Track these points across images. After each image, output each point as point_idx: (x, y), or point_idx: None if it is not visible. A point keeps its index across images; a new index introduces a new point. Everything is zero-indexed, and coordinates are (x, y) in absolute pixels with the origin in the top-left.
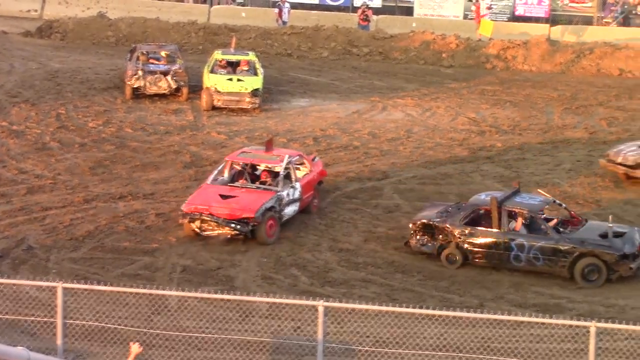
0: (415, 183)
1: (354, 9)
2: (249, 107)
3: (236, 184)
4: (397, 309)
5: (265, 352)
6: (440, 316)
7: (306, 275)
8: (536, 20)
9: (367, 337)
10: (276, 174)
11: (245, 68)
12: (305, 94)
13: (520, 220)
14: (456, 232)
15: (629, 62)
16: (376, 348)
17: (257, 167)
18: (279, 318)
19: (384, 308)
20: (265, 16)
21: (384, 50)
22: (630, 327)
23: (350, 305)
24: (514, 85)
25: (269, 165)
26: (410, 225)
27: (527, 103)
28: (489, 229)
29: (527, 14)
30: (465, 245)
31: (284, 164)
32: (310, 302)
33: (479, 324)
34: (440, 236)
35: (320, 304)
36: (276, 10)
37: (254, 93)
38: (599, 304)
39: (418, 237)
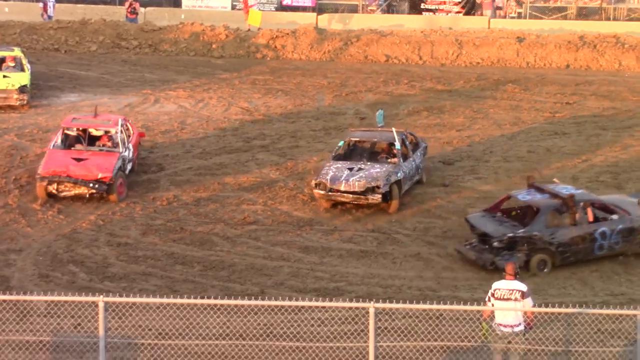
0: (192, 174)
1: (121, 2)
2: (17, 103)
3: (78, 147)
4: (179, 301)
5: (45, 352)
6: (222, 305)
7: (84, 272)
8: (303, 9)
9: (150, 330)
10: (114, 137)
11: (12, 64)
12: (75, 88)
13: (589, 210)
14: (545, 238)
15: (394, 48)
16: (159, 340)
17: (92, 131)
18: (58, 316)
19: (165, 300)
20: (29, 11)
21: (154, 43)
22: (407, 305)
23: (131, 300)
24: (285, 74)
25: (105, 129)
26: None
27: (298, 91)
28: (572, 227)
29: (295, 4)
30: (555, 248)
31: (119, 127)
32: (89, 298)
33: (260, 311)
34: (526, 245)
35: (100, 300)
36: (41, 4)
37: (22, 89)
38: (377, 285)
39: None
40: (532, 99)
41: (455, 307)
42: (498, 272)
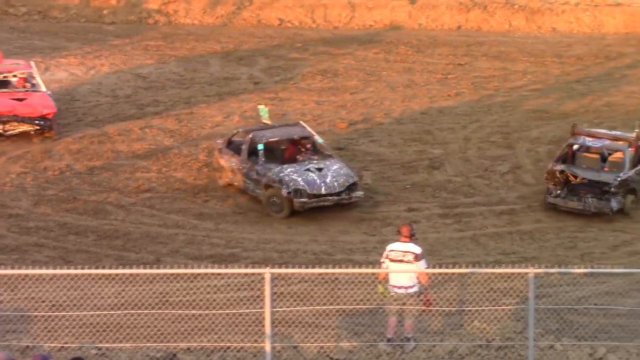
0: (85, 143)
1: None
2: None
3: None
4: (72, 271)
5: None
6: (117, 275)
7: None
8: None
9: (43, 302)
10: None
11: None
12: None
13: None
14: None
15: (287, 11)
16: (53, 312)
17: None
18: None
19: (58, 271)
20: None
21: (43, 9)
22: (302, 270)
23: (23, 272)
24: (178, 40)
25: (18, 72)
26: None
27: (191, 57)
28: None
29: None
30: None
31: (33, 69)
32: None
33: (156, 279)
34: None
35: None
36: None
37: None
38: (273, 250)
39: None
40: (425, 60)
41: (350, 270)
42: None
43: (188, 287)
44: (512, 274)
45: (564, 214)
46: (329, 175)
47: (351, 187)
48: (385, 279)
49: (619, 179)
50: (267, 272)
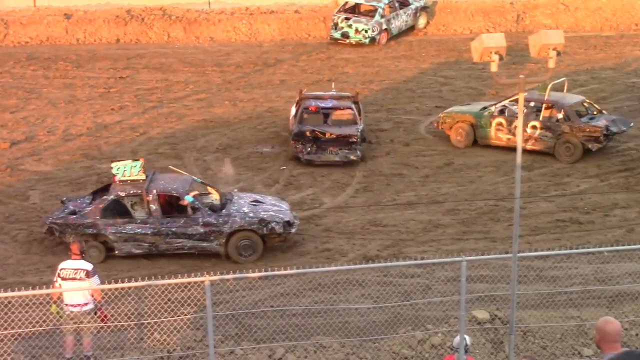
0: None
1: None
2: None
3: None
4: None
5: None
6: None
7: None
8: None
9: None
10: None
11: None
12: None
13: None
14: None
15: None
16: None
17: None
18: None
19: None
20: None
21: None
22: None
23: None
24: None
25: None
26: None
27: None
28: None
29: None
30: None
31: None
32: None
33: None
34: None
35: None
36: None
37: None
38: None
39: None
40: (85, 75)
41: (22, 293)
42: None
43: None
44: (189, 283)
45: None
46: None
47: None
48: (60, 298)
49: (359, 130)
50: None
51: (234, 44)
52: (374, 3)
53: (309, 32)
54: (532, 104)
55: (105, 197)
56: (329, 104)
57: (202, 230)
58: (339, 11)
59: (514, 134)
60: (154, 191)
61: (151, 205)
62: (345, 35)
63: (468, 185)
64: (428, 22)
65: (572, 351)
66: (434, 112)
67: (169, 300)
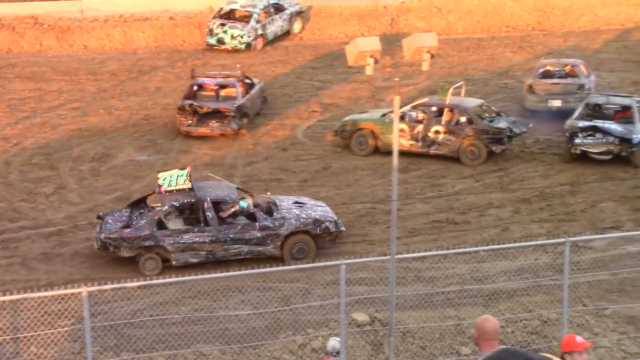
0: None
1: None
2: None
3: None
4: None
5: None
6: None
7: None
8: None
9: None
10: None
11: None
12: None
13: None
14: None
15: None
16: None
17: None
18: None
19: None
20: None
21: None
22: None
23: None
24: None
25: None
26: None
27: None
28: None
29: None
30: None
31: None
32: None
33: None
34: None
35: None
36: None
37: None
38: None
39: None
40: None
41: None
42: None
43: None
44: (66, 295)
45: None
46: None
47: None
48: None
49: (235, 105)
50: None
51: (108, 52)
52: (249, 9)
53: (184, 39)
54: (433, 108)
55: (158, 208)
56: (212, 81)
57: (259, 235)
58: (214, 17)
59: (416, 140)
60: (208, 199)
61: (207, 213)
62: (221, 42)
63: (346, 189)
64: (303, 27)
65: (450, 350)
66: (312, 117)
67: (45, 312)
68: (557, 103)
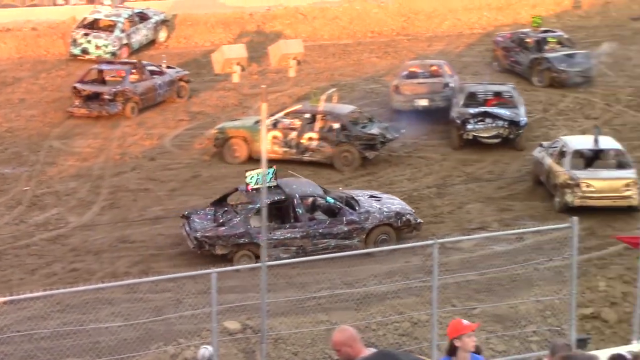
0: None
1: None
2: None
3: None
4: None
5: None
6: None
7: None
8: None
9: None
10: None
11: None
12: None
13: None
14: None
15: None
16: None
17: None
18: None
19: None
20: None
21: None
22: None
23: None
24: None
25: None
26: None
27: None
28: None
29: None
30: None
31: None
32: None
33: None
34: None
35: None
36: None
37: None
38: None
39: None
40: None
41: None
42: None
43: None
44: None
45: None
46: None
47: None
48: None
49: (113, 90)
50: None
51: None
52: (113, 18)
53: (47, 49)
54: (307, 115)
55: (251, 206)
56: (109, 67)
57: (346, 229)
58: (78, 27)
59: (290, 147)
60: (297, 195)
61: (297, 210)
62: (85, 51)
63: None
64: (169, 36)
65: (322, 355)
66: (180, 126)
67: None
68: (423, 102)
